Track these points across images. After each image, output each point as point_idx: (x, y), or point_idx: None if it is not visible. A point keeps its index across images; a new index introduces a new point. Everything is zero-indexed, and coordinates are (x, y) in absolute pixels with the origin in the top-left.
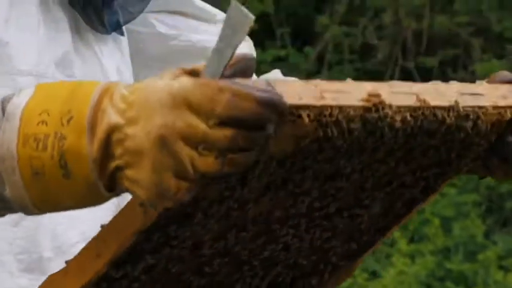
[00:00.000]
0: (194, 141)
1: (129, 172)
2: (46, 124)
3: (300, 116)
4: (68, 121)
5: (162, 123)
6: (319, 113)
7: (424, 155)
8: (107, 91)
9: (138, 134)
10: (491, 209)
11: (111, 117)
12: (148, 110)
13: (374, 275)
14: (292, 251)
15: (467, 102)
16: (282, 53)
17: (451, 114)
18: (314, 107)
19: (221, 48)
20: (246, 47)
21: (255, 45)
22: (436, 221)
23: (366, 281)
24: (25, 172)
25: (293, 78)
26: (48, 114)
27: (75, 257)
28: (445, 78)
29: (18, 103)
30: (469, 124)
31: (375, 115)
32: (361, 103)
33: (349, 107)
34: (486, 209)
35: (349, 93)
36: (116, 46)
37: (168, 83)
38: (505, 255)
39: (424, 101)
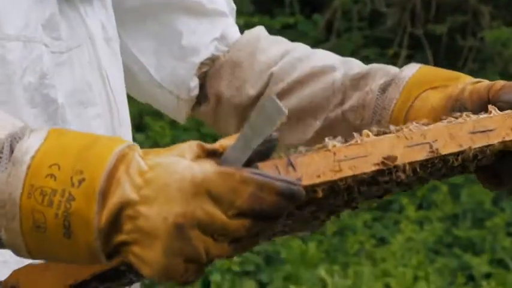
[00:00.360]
0: (211, 230)
1: (136, 249)
2: (55, 179)
3: (315, 191)
4: (80, 182)
5: (180, 212)
6: (334, 184)
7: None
8: (123, 158)
9: (153, 216)
10: None
11: (126, 191)
12: (167, 194)
13: (382, 241)
14: None
15: (477, 143)
16: (291, 20)
17: (459, 157)
18: (330, 181)
19: (249, 135)
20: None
21: (264, 12)
22: (444, 188)
23: (373, 247)
24: (26, 223)
25: (302, 46)
26: (58, 168)
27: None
28: (454, 45)
29: (27, 149)
30: (473, 164)
31: (387, 178)
32: (376, 167)
33: (364, 173)
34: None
35: (366, 156)
36: (101, 3)
37: (190, 167)
38: None
39: (437, 150)
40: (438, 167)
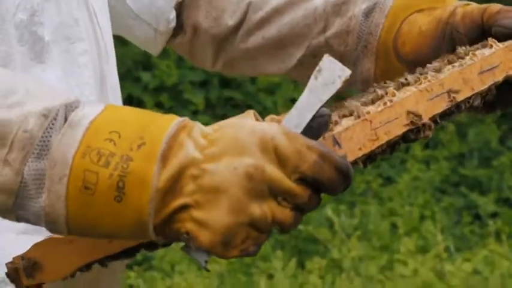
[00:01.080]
0: (277, 191)
1: (197, 213)
2: (114, 144)
3: (356, 163)
4: (139, 146)
5: (252, 162)
6: (372, 152)
7: None
8: (184, 127)
9: (221, 170)
10: (506, 115)
11: (189, 150)
12: (236, 147)
13: (389, 180)
14: None
15: (486, 83)
16: None
17: (471, 100)
18: (370, 152)
19: (309, 101)
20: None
21: None
22: (451, 127)
23: (380, 186)
24: (74, 184)
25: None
26: (119, 136)
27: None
28: None
29: (85, 114)
30: (481, 101)
31: (414, 136)
32: (406, 128)
33: (397, 136)
34: (501, 114)
35: (397, 119)
36: None
37: (258, 125)
38: None
39: (454, 98)
40: (453, 112)
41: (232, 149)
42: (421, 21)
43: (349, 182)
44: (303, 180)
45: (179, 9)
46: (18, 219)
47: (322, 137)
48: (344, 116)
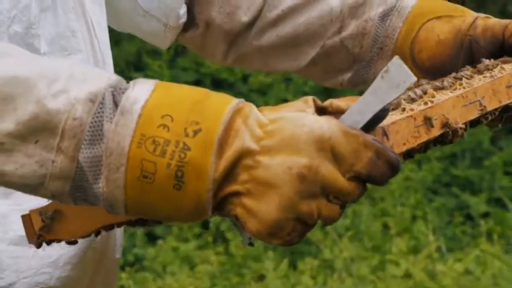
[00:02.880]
0: (330, 191)
1: (247, 201)
2: (168, 129)
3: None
4: (195, 133)
5: (306, 163)
6: (413, 149)
7: None
8: (240, 111)
9: (275, 166)
10: None
11: (246, 141)
12: (292, 145)
13: None
14: None
15: (511, 96)
16: None
17: (497, 111)
18: (412, 148)
19: (371, 100)
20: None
21: None
22: None
23: (372, 186)
24: (132, 173)
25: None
26: (171, 119)
27: None
28: None
29: (135, 98)
30: (506, 114)
31: (449, 138)
32: (443, 130)
33: (435, 137)
34: None
35: (436, 120)
36: None
37: (317, 122)
38: (511, 161)
39: (485, 108)
40: (480, 122)
41: (288, 146)
42: (439, 29)
43: (396, 174)
44: (355, 177)
45: (190, 3)
46: (75, 201)
47: (373, 128)
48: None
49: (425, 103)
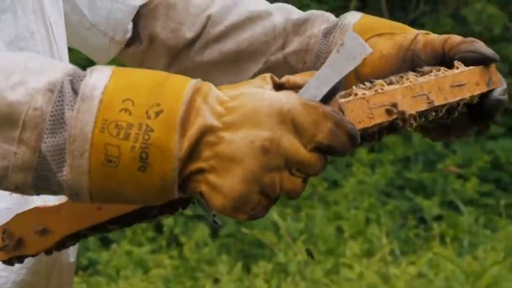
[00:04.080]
0: (293, 163)
1: (211, 177)
2: (130, 113)
3: None
4: (157, 114)
5: (268, 136)
6: (367, 129)
7: None
8: (199, 90)
9: (237, 141)
10: None
11: (207, 118)
12: (254, 119)
13: (334, 184)
14: None
15: (456, 96)
16: None
17: (444, 108)
18: (366, 127)
19: (328, 74)
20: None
21: None
22: None
23: (326, 190)
24: (96, 158)
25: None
26: (132, 103)
27: (70, 204)
28: None
29: (94, 84)
30: (452, 115)
31: (402, 124)
32: (395, 116)
33: (387, 121)
34: None
35: (386, 105)
36: None
37: (276, 96)
38: (463, 164)
39: (432, 102)
40: (428, 117)
41: (250, 120)
42: (382, 45)
43: (356, 145)
44: (317, 148)
45: (135, 18)
46: (38, 192)
47: (328, 103)
48: (342, 96)
49: (376, 90)
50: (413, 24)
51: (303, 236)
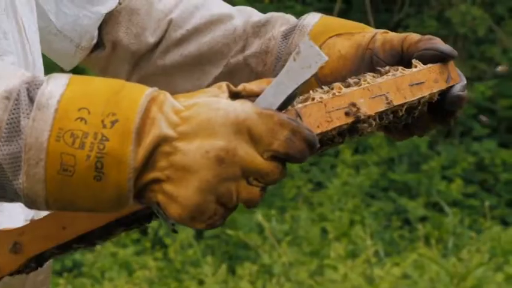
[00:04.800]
0: (249, 172)
1: (168, 186)
2: (86, 122)
3: None
4: (112, 123)
5: (223, 146)
6: (327, 133)
7: None
8: (155, 99)
9: (192, 151)
10: None
11: (162, 128)
12: (209, 129)
13: (319, 185)
14: None
15: (416, 95)
16: None
17: (403, 108)
18: (326, 131)
19: (284, 81)
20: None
21: None
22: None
23: (310, 191)
24: (52, 167)
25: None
26: (88, 112)
27: (35, 224)
28: None
29: (50, 93)
30: (412, 114)
31: (361, 128)
32: (353, 118)
33: (346, 124)
34: None
35: (345, 108)
36: None
37: (231, 106)
38: (448, 165)
39: (391, 102)
40: (388, 118)
41: (205, 130)
42: (340, 45)
43: (314, 151)
44: (274, 156)
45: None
46: None
47: (285, 110)
48: (299, 101)
49: (334, 94)
50: (398, 25)
51: (288, 237)
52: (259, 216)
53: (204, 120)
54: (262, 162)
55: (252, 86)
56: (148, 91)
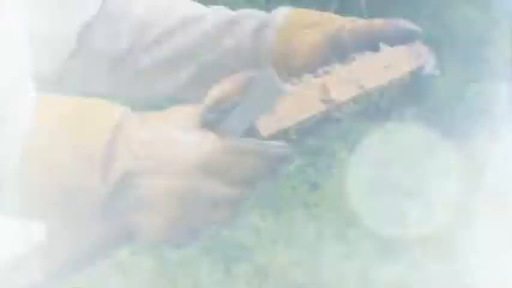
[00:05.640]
0: (215, 203)
1: (135, 217)
2: None
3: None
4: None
5: (186, 184)
6: (299, 125)
7: None
8: (118, 128)
9: (156, 187)
10: None
11: (127, 162)
12: (173, 166)
13: (314, 186)
14: None
15: (386, 77)
16: None
17: (375, 92)
18: (298, 122)
19: (246, 108)
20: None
21: None
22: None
23: (306, 192)
24: None
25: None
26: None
27: None
28: None
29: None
30: (385, 96)
31: (333, 114)
32: (324, 108)
33: (318, 113)
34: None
35: (315, 98)
36: None
37: (195, 140)
38: None
39: (363, 86)
40: (362, 102)
41: (169, 167)
42: (311, 36)
43: (288, 162)
44: (242, 182)
45: None
46: None
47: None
48: None
49: (304, 85)
50: None
51: (284, 237)
52: (255, 216)
53: (167, 155)
54: (229, 192)
55: (216, 93)
56: (112, 116)
